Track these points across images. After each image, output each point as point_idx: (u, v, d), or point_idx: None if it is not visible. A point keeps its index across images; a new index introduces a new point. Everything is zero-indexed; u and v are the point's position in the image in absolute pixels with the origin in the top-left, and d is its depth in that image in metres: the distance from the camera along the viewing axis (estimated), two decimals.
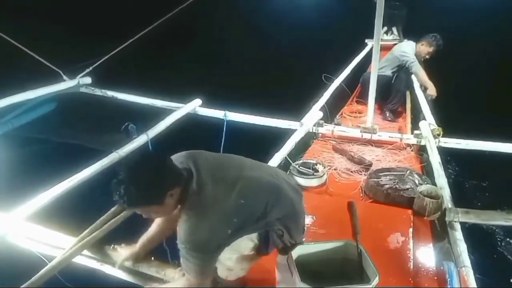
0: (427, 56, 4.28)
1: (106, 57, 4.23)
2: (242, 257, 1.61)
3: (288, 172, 2.97)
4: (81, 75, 4.30)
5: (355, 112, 4.35)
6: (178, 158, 1.49)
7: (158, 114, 3.73)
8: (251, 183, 1.52)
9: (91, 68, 4.30)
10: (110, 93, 4.25)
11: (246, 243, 1.57)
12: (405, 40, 4.72)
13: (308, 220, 2.34)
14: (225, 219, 1.42)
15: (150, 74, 6.82)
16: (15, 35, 3.86)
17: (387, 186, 2.67)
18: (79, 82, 4.29)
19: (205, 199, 1.40)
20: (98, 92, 4.27)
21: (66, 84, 4.17)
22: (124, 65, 5.24)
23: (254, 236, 1.57)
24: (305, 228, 1.76)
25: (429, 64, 4.56)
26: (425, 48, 4.25)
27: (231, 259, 1.59)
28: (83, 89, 4.32)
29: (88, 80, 4.36)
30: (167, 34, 5.64)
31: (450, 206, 2.36)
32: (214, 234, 1.39)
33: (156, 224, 1.76)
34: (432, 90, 4.15)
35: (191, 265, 1.40)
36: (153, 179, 1.33)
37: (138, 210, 1.40)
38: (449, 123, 3.53)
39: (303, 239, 1.71)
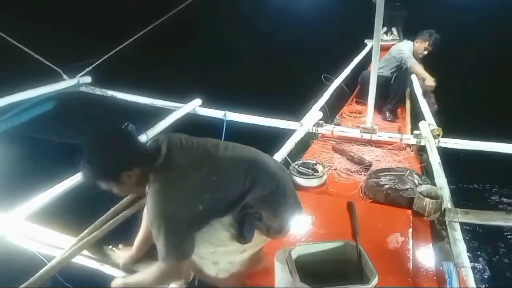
0: (425, 52, 4.30)
1: (106, 56, 4.23)
2: (225, 251, 1.55)
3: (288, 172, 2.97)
4: (81, 74, 4.30)
5: (355, 112, 4.35)
6: (154, 137, 1.54)
7: (157, 113, 3.73)
8: (225, 161, 1.50)
9: (91, 67, 4.30)
10: (110, 93, 4.25)
11: (223, 234, 1.51)
12: (405, 40, 4.73)
13: (307, 220, 2.34)
14: (195, 193, 1.39)
15: (150, 74, 6.82)
16: (15, 34, 3.86)
17: (386, 186, 2.68)
18: (79, 81, 4.29)
19: (174, 175, 1.38)
20: (98, 91, 4.27)
21: (66, 83, 4.17)
22: (124, 64, 5.23)
23: (228, 224, 1.50)
24: (300, 209, 1.69)
25: (429, 64, 4.57)
26: (421, 44, 4.27)
27: (215, 253, 1.53)
28: (83, 88, 4.32)
29: (88, 79, 4.35)
30: (167, 33, 5.65)
31: (449, 206, 2.36)
32: (183, 207, 1.36)
33: (144, 226, 1.77)
34: (429, 81, 4.17)
35: (163, 245, 1.34)
36: (107, 156, 1.35)
37: (101, 184, 1.40)
38: (449, 123, 3.54)
39: (294, 224, 1.66)
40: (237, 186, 1.48)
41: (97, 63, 4.27)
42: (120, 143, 1.39)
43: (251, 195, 1.48)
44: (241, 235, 1.50)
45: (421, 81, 4.41)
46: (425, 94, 4.25)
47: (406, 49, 4.28)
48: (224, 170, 1.47)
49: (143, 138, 3.14)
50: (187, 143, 1.50)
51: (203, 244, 1.49)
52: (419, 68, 4.26)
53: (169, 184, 1.37)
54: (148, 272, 1.51)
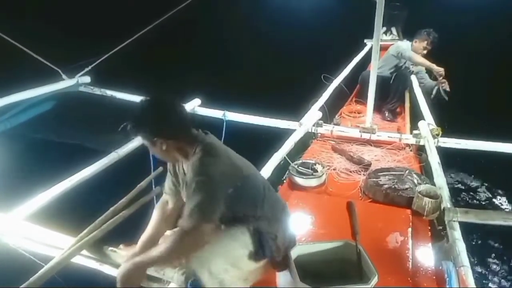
0: (424, 52, 4.30)
1: (105, 56, 4.22)
2: (236, 274, 1.53)
3: (287, 172, 2.97)
4: (80, 74, 4.29)
5: (354, 112, 4.36)
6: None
7: None
8: (252, 167, 1.66)
9: (90, 67, 4.28)
10: (109, 93, 4.24)
11: (239, 251, 1.54)
12: (405, 40, 4.74)
13: (307, 220, 2.34)
14: (233, 173, 1.49)
15: (149, 74, 6.82)
16: (14, 34, 3.86)
17: (386, 186, 2.68)
18: (78, 81, 4.27)
19: (218, 151, 1.51)
20: (97, 91, 4.26)
21: (65, 83, 4.16)
22: (123, 64, 5.23)
23: (245, 242, 1.55)
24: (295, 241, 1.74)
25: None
26: (420, 44, 4.27)
27: (226, 272, 1.50)
28: (82, 88, 4.30)
29: (87, 79, 4.34)
30: (166, 33, 5.64)
31: (449, 205, 2.36)
32: (223, 178, 1.45)
33: (152, 225, 1.76)
34: (437, 69, 4.16)
35: (195, 202, 1.39)
36: (166, 113, 1.51)
37: (147, 139, 1.52)
38: (448, 123, 3.54)
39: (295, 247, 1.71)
40: (258, 193, 1.59)
41: (96, 63, 4.26)
42: (165, 110, 1.54)
43: (264, 209, 1.58)
44: (260, 251, 1.56)
45: (426, 76, 4.42)
46: (437, 84, 4.24)
47: (405, 47, 4.29)
48: (253, 175, 1.62)
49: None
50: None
51: (219, 259, 1.49)
52: (418, 58, 4.24)
53: (214, 155, 1.49)
54: (165, 242, 1.47)
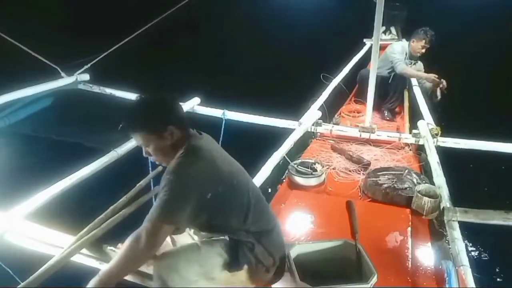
0: (422, 51, 4.30)
1: (105, 53, 4.19)
2: (212, 280, 1.48)
3: (286, 172, 2.97)
4: (79, 71, 4.26)
5: (354, 112, 4.36)
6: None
7: None
8: (243, 175, 1.60)
9: (89, 65, 4.26)
10: (108, 90, 4.22)
11: (215, 259, 1.48)
12: (403, 40, 4.75)
13: (306, 219, 2.34)
14: (214, 178, 1.42)
15: (149, 72, 6.81)
16: (13, 32, 3.84)
17: (385, 185, 2.68)
18: (77, 79, 4.24)
19: (203, 153, 1.45)
20: (96, 89, 4.24)
21: (64, 81, 4.13)
22: (122, 62, 5.21)
23: (221, 249, 1.48)
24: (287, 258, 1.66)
25: (428, 64, 4.59)
26: (417, 43, 4.27)
27: (197, 283, 1.44)
28: (81, 86, 4.28)
29: (86, 77, 4.32)
30: (166, 31, 5.63)
31: (448, 205, 2.36)
32: (198, 180, 1.38)
33: None
34: (429, 78, 4.20)
35: (160, 200, 1.34)
36: (156, 109, 1.49)
37: (140, 136, 1.48)
38: (448, 123, 3.55)
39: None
40: (244, 202, 1.51)
41: (95, 60, 4.24)
42: (165, 101, 1.54)
43: (250, 219, 1.50)
44: (234, 261, 1.48)
45: (422, 82, 4.44)
46: (432, 92, 4.28)
47: (399, 51, 4.27)
48: (242, 181, 1.54)
49: None
50: (221, 149, 1.63)
51: (192, 266, 1.44)
52: (410, 71, 4.29)
53: (195, 156, 1.43)
54: (121, 249, 1.41)
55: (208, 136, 1.61)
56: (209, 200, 1.39)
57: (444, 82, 4.21)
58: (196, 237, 1.64)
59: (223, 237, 1.50)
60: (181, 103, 3.89)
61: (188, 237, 1.70)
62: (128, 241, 1.39)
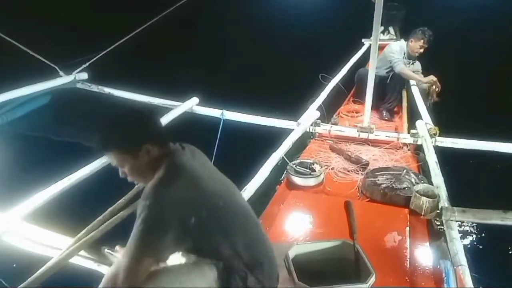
0: (421, 50, 4.32)
1: (103, 52, 4.18)
2: None
3: (285, 172, 2.98)
4: (77, 70, 4.25)
5: (352, 112, 4.36)
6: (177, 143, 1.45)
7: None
8: (232, 195, 1.46)
9: (87, 64, 4.25)
10: (107, 90, 4.22)
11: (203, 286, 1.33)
12: (402, 40, 4.75)
13: (305, 219, 2.35)
14: (197, 200, 1.27)
15: (148, 71, 6.79)
16: (11, 30, 3.83)
17: (384, 185, 2.68)
18: (75, 78, 4.24)
19: (185, 171, 1.31)
20: (94, 88, 4.24)
21: (62, 80, 4.13)
22: (121, 61, 5.20)
23: (212, 280, 1.33)
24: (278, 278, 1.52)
25: (428, 64, 4.59)
26: (415, 43, 4.28)
27: None
28: (79, 85, 4.27)
29: (84, 75, 4.31)
30: (164, 31, 5.62)
31: (446, 205, 2.37)
32: (180, 202, 1.23)
33: None
34: (425, 80, 4.22)
35: (134, 234, 1.19)
36: (129, 126, 1.34)
37: (113, 155, 1.35)
38: (447, 122, 3.55)
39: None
40: (229, 224, 1.36)
41: (94, 59, 4.23)
42: (142, 117, 1.39)
43: (236, 238, 1.36)
44: None
45: (422, 76, 4.47)
46: (428, 94, 4.31)
47: (397, 51, 4.28)
48: (228, 202, 1.38)
49: None
50: (208, 163, 1.50)
51: None
52: (408, 72, 4.31)
53: (175, 177, 1.28)
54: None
55: (193, 149, 1.48)
56: (193, 226, 1.24)
57: (439, 86, 4.25)
58: (185, 259, 1.45)
59: (215, 261, 1.35)
60: (179, 103, 3.94)
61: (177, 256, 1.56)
62: (104, 280, 1.24)
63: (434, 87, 4.39)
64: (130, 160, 1.35)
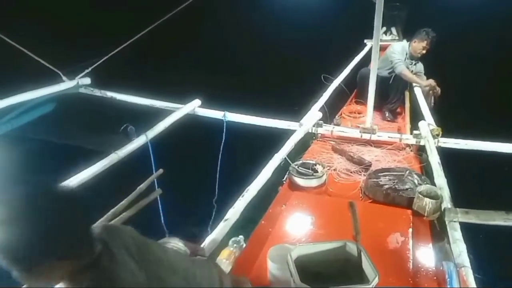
0: (423, 51, 4.31)
1: (106, 57, 4.22)
2: None
3: (287, 173, 2.97)
4: (80, 75, 4.29)
5: (354, 113, 4.36)
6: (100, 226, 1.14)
7: (157, 114, 3.72)
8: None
9: (90, 69, 4.29)
10: (109, 94, 4.25)
11: None
12: (404, 40, 4.75)
13: (307, 220, 2.34)
14: None
15: (150, 75, 6.83)
16: (14, 35, 3.86)
17: (386, 186, 2.68)
18: (78, 83, 4.28)
19: (116, 283, 1.02)
20: (97, 92, 4.27)
21: (65, 85, 4.16)
22: (123, 66, 5.23)
23: None
24: None
25: (428, 64, 4.58)
26: (419, 44, 4.28)
27: None
28: (82, 90, 4.31)
29: (87, 80, 4.35)
30: (166, 35, 5.64)
31: (449, 206, 2.36)
32: None
33: None
34: (425, 83, 4.22)
35: None
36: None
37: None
38: (448, 123, 3.54)
39: None
40: None
41: (96, 64, 4.27)
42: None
43: None
44: None
45: (425, 78, 4.48)
46: (427, 95, 4.30)
47: (399, 52, 4.28)
48: None
49: (142, 139, 3.14)
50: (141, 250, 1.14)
51: None
52: (408, 74, 4.30)
53: None
54: None
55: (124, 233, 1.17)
56: None
57: (439, 90, 4.25)
58: None
59: None
60: (182, 105, 3.95)
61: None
62: None
63: (431, 92, 4.39)
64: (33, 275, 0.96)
